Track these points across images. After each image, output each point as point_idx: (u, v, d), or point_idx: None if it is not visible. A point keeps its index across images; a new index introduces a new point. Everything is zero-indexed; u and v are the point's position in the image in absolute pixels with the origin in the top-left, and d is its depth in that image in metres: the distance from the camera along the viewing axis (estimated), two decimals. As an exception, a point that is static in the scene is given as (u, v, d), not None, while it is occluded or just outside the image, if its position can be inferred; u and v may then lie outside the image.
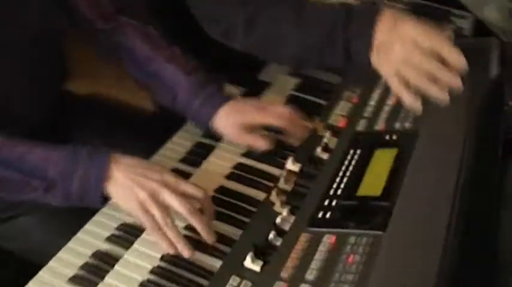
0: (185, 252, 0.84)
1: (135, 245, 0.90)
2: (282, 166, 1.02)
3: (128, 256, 0.89)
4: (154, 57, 1.08)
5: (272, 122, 1.02)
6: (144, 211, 0.86)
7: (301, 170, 1.00)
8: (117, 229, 0.93)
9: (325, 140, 1.02)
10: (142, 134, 1.21)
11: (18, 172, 0.88)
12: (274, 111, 1.02)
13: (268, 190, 0.98)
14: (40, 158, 0.88)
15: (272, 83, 1.25)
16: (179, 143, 1.11)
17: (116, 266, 0.87)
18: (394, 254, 0.74)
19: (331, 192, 0.90)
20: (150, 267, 0.86)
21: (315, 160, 1.00)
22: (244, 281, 0.81)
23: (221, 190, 1.00)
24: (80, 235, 0.93)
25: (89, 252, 0.90)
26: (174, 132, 1.12)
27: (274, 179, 1.01)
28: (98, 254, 0.90)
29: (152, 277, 0.85)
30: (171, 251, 0.85)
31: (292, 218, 0.90)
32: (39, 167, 0.88)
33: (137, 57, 1.09)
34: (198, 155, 1.08)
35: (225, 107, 1.02)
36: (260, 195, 0.98)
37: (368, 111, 1.09)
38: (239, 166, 1.05)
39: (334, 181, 0.92)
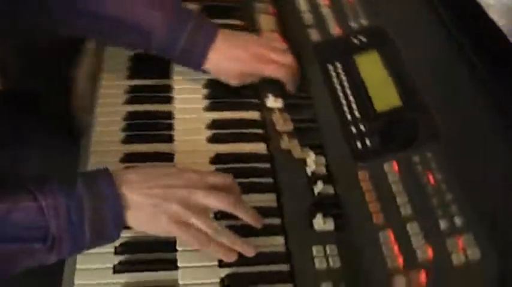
0: (250, 251, 0.73)
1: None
2: (256, 108, 0.93)
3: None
4: None
5: (275, 75, 0.90)
6: (182, 227, 0.70)
7: (286, 104, 0.91)
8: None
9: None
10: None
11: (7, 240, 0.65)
12: (277, 63, 0.90)
13: (264, 139, 0.89)
14: (29, 212, 0.66)
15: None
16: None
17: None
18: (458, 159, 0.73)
19: (349, 117, 0.84)
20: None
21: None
22: (328, 247, 0.74)
23: (218, 158, 0.87)
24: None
25: None
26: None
27: (261, 124, 0.91)
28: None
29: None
30: (233, 258, 0.72)
31: (322, 159, 0.83)
32: (33, 225, 0.65)
33: None
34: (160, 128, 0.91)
35: (218, 48, 0.88)
36: (261, 147, 0.88)
37: (306, 18, 1.01)
38: (214, 124, 0.91)
39: (342, 104, 0.86)
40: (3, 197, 0.65)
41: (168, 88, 0.99)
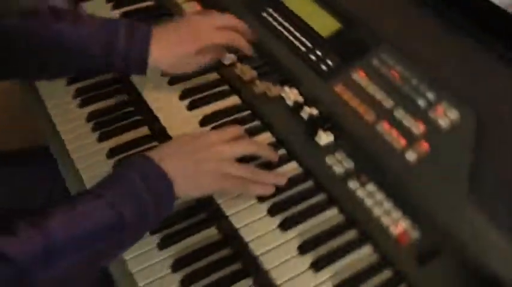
0: (283, 179, 0.83)
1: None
2: (216, 70, 1.02)
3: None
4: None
5: (225, 40, 0.93)
6: (223, 179, 0.79)
7: (240, 57, 1.02)
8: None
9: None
10: None
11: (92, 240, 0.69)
12: (222, 29, 0.93)
13: (235, 91, 0.99)
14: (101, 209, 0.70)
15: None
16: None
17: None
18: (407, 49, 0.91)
19: (303, 49, 0.97)
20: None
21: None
22: (337, 154, 0.87)
23: (206, 120, 0.95)
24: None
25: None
26: None
27: (226, 80, 1.00)
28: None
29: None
30: (272, 190, 0.82)
31: (295, 90, 0.95)
32: (110, 224, 0.70)
33: None
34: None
35: (156, 41, 0.89)
36: (235, 99, 0.98)
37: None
38: (185, 94, 0.99)
39: (292, 41, 0.98)
40: (68, 208, 0.68)
41: (114, 80, 1.04)
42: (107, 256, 0.71)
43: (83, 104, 1.02)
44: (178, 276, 0.78)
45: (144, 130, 0.99)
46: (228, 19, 0.96)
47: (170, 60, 0.90)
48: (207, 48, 0.92)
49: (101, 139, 0.96)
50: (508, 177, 0.77)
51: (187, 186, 0.77)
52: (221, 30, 0.93)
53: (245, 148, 0.81)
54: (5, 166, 1.02)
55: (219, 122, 0.94)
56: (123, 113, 1.01)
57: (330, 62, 0.94)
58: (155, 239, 0.83)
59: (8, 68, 0.89)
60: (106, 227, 0.69)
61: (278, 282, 0.75)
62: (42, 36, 0.86)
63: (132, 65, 0.88)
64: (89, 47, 0.87)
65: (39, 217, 0.65)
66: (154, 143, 0.96)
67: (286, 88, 0.94)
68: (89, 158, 0.94)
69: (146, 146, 0.95)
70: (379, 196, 0.82)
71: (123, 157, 0.92)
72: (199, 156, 0.78)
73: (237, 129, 0.84)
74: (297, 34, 0.98)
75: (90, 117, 1.00)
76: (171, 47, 0.90)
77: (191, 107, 0.96)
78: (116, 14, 1.14)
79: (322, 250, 0.79)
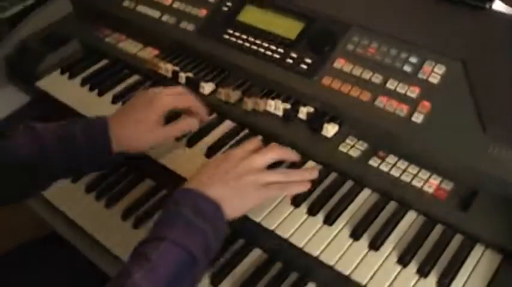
0: (315, 173, 0.86)
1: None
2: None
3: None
4: None
5: (176, 104, 0.92)
6: (264, 188, 0.79)
7: (219, 82, 1.03)
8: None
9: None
10: None
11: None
12: (165, 101, 0.90)
13: (225, 115, 1.01)
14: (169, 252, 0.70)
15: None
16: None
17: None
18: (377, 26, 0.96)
19: (277, 56, 1.00)
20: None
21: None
22: (348, 139, 0.91)
23: (211, 150, 0.96)
24: None
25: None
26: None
27: (213, 108, 1.01)
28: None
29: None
30: (308, 186, 0.83)
31: (279, 102, 0.97)
32: (183, 261, 0.70)
33: None
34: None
35: (115, 127, 0.88)
36: (229, 123, 1.00)
37: (168, 21, 1.13)
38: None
39: (263, 52, 1.01)
40: (142, 260, 0.68)
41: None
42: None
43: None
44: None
45: (148, 182, 0.99)
46: (177, 88, 0.94)
47: (134, 139, 0.89)
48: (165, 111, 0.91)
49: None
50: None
51: (235, 204, 0.77)
52: (173, 95, 0.92)
53: (272, 153, 0.83)
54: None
55: (223, 148, 0.94)
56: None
57: (307, 60, 0.97)
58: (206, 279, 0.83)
59: None
60: (181, 265, 0.69)
61: (347, 272, 0.76)
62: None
63: (97, 161, 0.88)
64: (51, 159, 0.85)
65: (119, 279, 0.64)
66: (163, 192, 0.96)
67: (270, 101, 0.96)
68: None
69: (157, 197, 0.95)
70: (402, 164, 0.86)
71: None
72: (236, 172, 0.78)
73: (256, 140, 0.86)
74: (265, 44, 1.01)
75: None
76: (133, 125, 0.89)
77: (190, 144, 0.96)
78: (77, 82, 1.13)
79: (373, 229, 0.81)
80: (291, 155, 0.87)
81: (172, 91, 0.92)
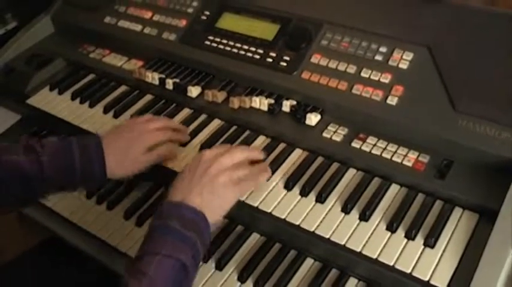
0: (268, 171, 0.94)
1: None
2: (187, 105, 1.10)
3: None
4: None
5: (160, 139, 0.98)
6: (238, 185, 0.86)
7: (205, 85, 1.10)
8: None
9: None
10: None
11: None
12: (153, 134, 0.98)
13: (213, 115, 1.07)
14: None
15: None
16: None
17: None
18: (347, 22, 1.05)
19: (257, 56, 1.08)
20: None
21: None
22: (330, 126, 0.98)
23: (205, 146, 1.02)
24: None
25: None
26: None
27: (201, 110, 1.08)
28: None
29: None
30: (270, 173, 0.93)
31: (264, 98, 1.05)
32: (177, 273, 0.76)
33: None
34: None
35: (109, 152, 0.93)
36: (218, 122, 1.07)
37: (152, 32, 1.20)
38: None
39: (244, 54, 1.09)
40: (140, 276, 0.73)
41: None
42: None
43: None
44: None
45: (147, 183, 1.04)
46: (164, 120, 1.03)
47: (123, 168, 0.95)
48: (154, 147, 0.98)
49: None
50: (477, 79, 0.91)
51: (215, 207, 0.83)
52: (160, 130, 0.99)
53: (238, 153, 0.90)
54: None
55: (216, 144, 1.01)
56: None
57: (286, 58, 1.05)
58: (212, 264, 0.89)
59: None
60: (176, 276, 0.75)
61: (342, 242, 0.84)
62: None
63: (91, 181, 0.93)
64: (48, 175, 0.90)
65: None
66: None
67: (256, 98, 1.03)
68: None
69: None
70: (382, 143, 0.94)
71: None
72: (209, 173, 0.84)
73: (227, 145, 0.93)
74: (245, 47, 1.09)
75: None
76: (123, 154, 0.94)
77: (183, 143, 1.03)
78: (67, 97, 1.18)
79: (361, 203, 0.88)
80: (257, 154, 0.94)
81: (159, 125, 0.99)
